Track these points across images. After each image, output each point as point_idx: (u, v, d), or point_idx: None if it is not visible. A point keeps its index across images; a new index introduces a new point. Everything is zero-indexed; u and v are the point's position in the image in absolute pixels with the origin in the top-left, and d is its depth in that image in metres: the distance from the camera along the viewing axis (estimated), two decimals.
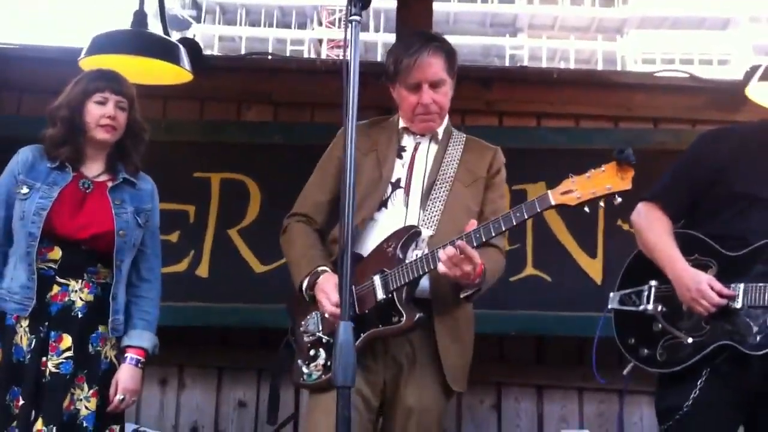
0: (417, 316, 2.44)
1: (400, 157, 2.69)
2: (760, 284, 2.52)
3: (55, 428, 2.68)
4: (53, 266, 2.80)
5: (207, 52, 4.78)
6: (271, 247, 4.03)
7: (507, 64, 35.05)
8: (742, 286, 2.54)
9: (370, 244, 2.58)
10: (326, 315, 2.52)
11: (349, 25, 2.04)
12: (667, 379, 2.69)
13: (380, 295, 2.47)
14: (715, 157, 2.73)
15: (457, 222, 2.54)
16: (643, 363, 2.69)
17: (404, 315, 2.45)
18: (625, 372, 2.76)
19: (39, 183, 2.82)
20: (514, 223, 2.37)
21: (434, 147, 2.71)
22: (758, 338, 2.50)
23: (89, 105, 2.87)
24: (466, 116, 4.64)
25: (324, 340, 2.56)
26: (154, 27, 3.96)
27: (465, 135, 2.79)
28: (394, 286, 2.46)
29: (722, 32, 36.99)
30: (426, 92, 2.60)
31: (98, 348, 2.84)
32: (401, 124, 2.73)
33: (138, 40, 3.75)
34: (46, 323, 2.76)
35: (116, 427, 2.87)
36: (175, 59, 3.78)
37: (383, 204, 2.63)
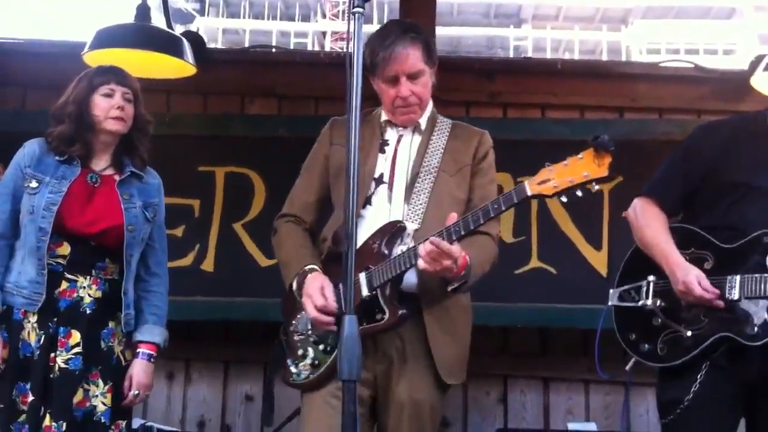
0: (400, 312, 2.44)
1: (383, 151, 2.66)
2: (756, 275, 2.52)
3: (64, 424, 2.69)
4: (62, 262, 2.80)
5: (211, 45, 4.77)
6: None
7: (511, 55, 34.95)
8: (738, 277, 2.54)
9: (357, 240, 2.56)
10: (310, 318, 2.51)
11: (353, 17, 2.02)
12: (667, 373, 2.69)
13: (365, 292, 2.46)
14: (706, 150, 2.74)
15: (444, 213, 2.50)
16: (645, 358, 2.70)
17: (387, 312, 2.45)
18: (627, 367, 2.77)
19: (48, 177, 2.82)
20: (492, 215, 2.35)
21: (417, 138, 2.67)
22: (756, 329, 2.50)
23: (96, 98, 2.87)
24: (470, 108, 4.64)
25: (312, 339, 2.56)
26: (158, 20, 3.96)
27: (451, 121, 2.74)
28: (378, 283, 2.45)
29: (727, 22, 36.85)
30: (404, 85, 2.56)
31: (110, 344, 2.85)
32: (384, 116, 2.70)
33: (141, 34, 3.75)
34: (55, 319, 2.77)
35: (122, 423, 2.88)
36: (178, 53, 3.78)
37: (367, 201, 2.60)
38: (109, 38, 3.68)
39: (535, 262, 4.18)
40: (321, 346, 2.54)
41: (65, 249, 2.80)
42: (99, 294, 2.83)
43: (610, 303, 2.81)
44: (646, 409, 4.15)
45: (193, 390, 4.39)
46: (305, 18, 38.32)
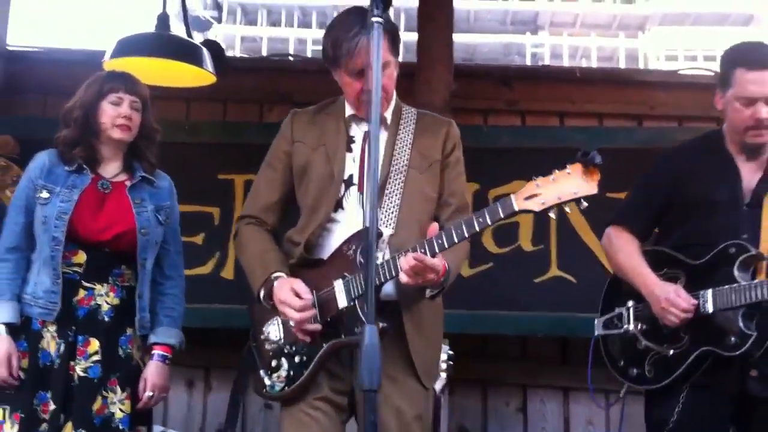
0: (381, 326, 2.22)
1: (350, 150, 2.52)
2: (726, 287, 2.57)
3: None
4: (78, 270, 2.81)
5: (228, 52, 4.80)
6: None
7: (528, 62, 34.94)
8: (710, 291, 2.60)
9: (329, 246, 2.46)
10: (291, 324, 2.39)
11: (372, 27, 2.01)
12: (652, 394, 2.76)
13: (342, 302, 2.37)
14: (668, 173, 2.79)
15: (417, 215, 2.46)
16: (635, 382, 2.77)
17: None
18: (621, 394, 2.84)
19: (59, 187, 2.83)
20: (477, 229, 2.25)
21: (384, 134, 2.52)
22: (733, 339, 2.54)
23: (104, 105, 2.88)
24: (489, 115, 4.64)
25: (286, 350, 2.46)
26: (177, 29, 3.97)
27: (416, 111, 2.61)
28: (357, 293, 2.34)
29: (745, 28, 36.65)
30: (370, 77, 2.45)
31: (128, 350, 2.86)
32: (348, 111, 2.56)
33: (161, 43, 3.76)
34: (74, 327, 2.77)
35: (143, 429, 2.89)
36: (198, 61, 3.79)
37: (338, 204, 2.48)
38: (129, 47, 3.69)
39: (554, 271, 4.17)
40: (297, 359, 2.43)
41: (81, 257, 2.81)
42: (117, 301, 2.84)
43: (596, 333, 2.88)
44: None
45: (212, 397, 4.39)
46: (322, 25, 38.33)
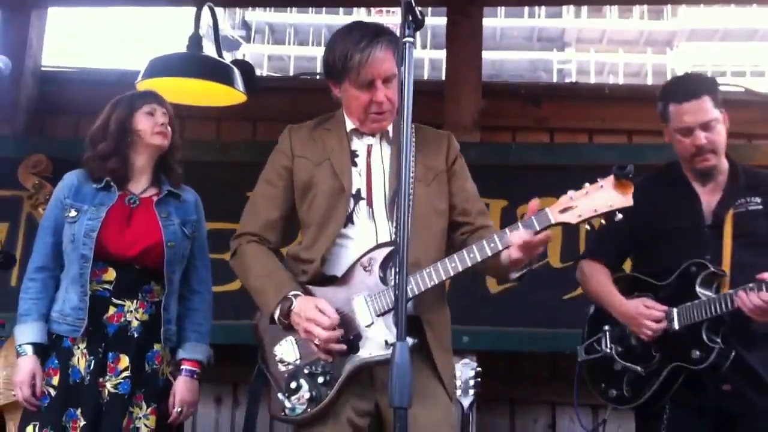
0: (412, 342, 2.17)
1: (355, 164, 2.50)
2: (689, 303, 2.73)
3: None
4: (108, 287, 2.84)
5: (257, 71, 4.83)
6: None
7: (555, 78, 34.85)
8: (675, 309, 2.76)
9: (343, 263, 2.42)
10: (318, 343, 2.33)
11: (403, 46, 2.02)
12: (640, 415, 2.92)
13: (366, 319, 2.34)
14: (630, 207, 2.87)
15: (429, 227, 2.45)
16: (616, 403, 2.93)
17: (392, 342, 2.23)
18: (606, 416, 3.11)
19: (86, 205, 2.88)
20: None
21: (387, 148, 2.52)
22: (698, 353, 2.70)
23: (139, 117, 2.94)
24: (517, 133, 4.64)
25: (306, 371, 2.38)
26: (208, 48, 4.02)
27: (414, 125, 2.53)
28: (383, 310, 2.32)
29: None
30: (380, 89, 2.41)
31: (155, 366, 2.88)
32: (349, 125, 2.55)
33: (193, 63, 3.81)
34: (104, 344, 2.81)
35: None
36: (229, 81, 3.83)
37: (349, 219, 2.45)
38: (162, 67, 3.75)
39: None
40: (320, 379, 2.36)
41: (111, 275, 2.85)
42: (146, 317, 2.87)
43: (579, 359, 3.03)
44: None
45: (241, 414, 4.39)
46: None
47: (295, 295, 2.38)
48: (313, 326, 2.31)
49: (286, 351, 2.42)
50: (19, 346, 2.80)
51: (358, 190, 2.47)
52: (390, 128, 2.55)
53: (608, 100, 4.64)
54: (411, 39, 2.04)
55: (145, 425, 2.81)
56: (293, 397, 2.38)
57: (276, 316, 2.39)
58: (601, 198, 2.17)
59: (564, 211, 2.20)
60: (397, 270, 1.94)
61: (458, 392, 3.23)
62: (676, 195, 2.89)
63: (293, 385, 2.39)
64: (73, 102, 4.70)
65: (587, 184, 2.20)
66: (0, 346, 3.36)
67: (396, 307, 1.95)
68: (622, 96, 4.83)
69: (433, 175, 2.52)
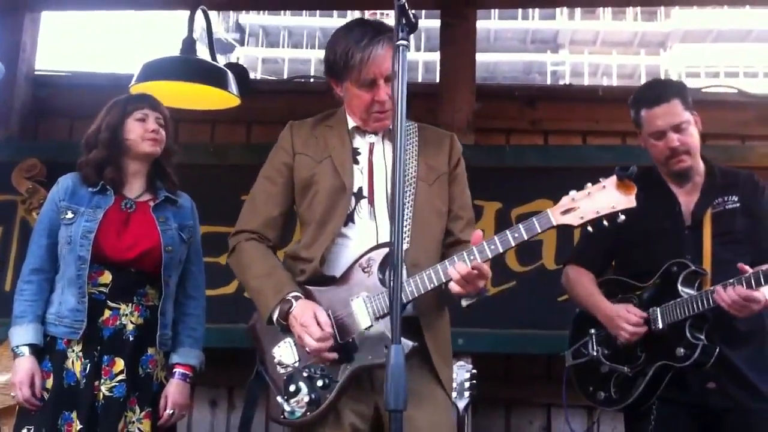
0: (411, 345, 2.22)
1: (356, 162, 2.47)
2: (672, 302, 2.77)
3: None
4: (104, 290, 2.84)
5: (251, 74, 4.83)
6: None
7: (548, 80, 34.88)
8: (659, 309, 2.80)
9: (342, 263, 2.39)
10: (308, 350, 2.30)
11: (398, 50, 2.02)
12: (628, 415, 2.95)
13: (365, 322, 2.30)
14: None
15: (430, 228, 2.43)
16: (604, 405, 2.95)
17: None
18: (595, 419, 3.18)
19: (83, 207, 2.88)
20: (513, 245, 2.21)
21: (389, 146, 2.46)
22: (682, 350, 2.73)
23: (130, 123, 2.93)
24: (511, 135, 4.64)
25: (305, 374, 2.35)
26: (202, 52, 4.02)
27: (416, 123, 2.56)
28: (381, 312, 2.27)
29: (767, 44, 36.45)
30: (382, 88, 2.38)
31: (148, 370, 2.88)
32: (351, 123, 2.51)
33: (187, 67, 3.81)
34: (99, 347, 2.80)
35: None
36: (223, 84, 3.83)
37: (349, 218, 2.41)
38: (155, 71, 3.74)
39: None
40: (319, 382, 2.34)
41: (107, 277, 2.85)
42: (141, 321, 2.87)
43: (567, 364, 3.06)
44: None
45: (236, 417, 4.38)
46: None
47: (296, 297, 2.34)
48: (305, 334, 2.28)
49: (285, 353, 2.39)
50: (16, 347, 2.80)
51: (360, 189, 2.44)
52: (391, 126, 2.48)
53: (602, 102, 4.65)
54: (405, 42, 2.03)
55: (139, 429, 2.81)
56: (292, 400, 2.35)
57: (275, 317, 2.35)
58: (603, 199, 2.14)
59: (566, 212, 2.17)
60: (392, 273, 1.93)
61: (454, 394, 3.22)
62: (656, 198, 2.93)
63: (292, 388, 2.36)
64: (67, 106, 4.70)
65: (589, 185, 2.16)
66: None
67: (391, 310, 1.94)
68: (616, 97, 4.80)
69: (435, 175, 2.49)
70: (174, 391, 2.90)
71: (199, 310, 3.06)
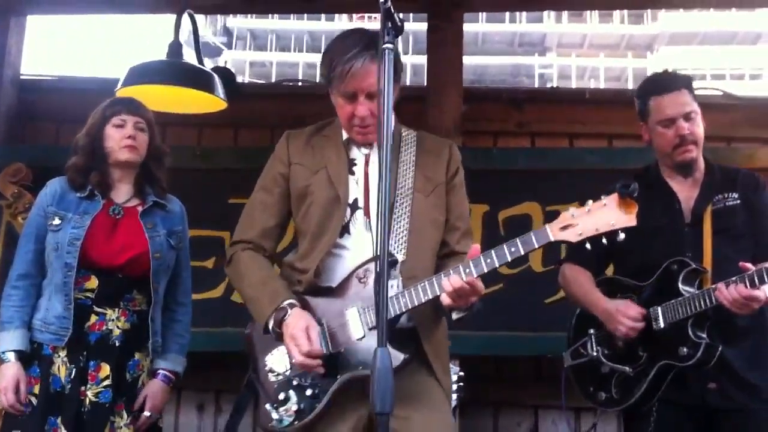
0: (402, 357, 2.22)
1: (352, 173, 2.44)
2: (673, 301, 2.73)
3: None
4: (90, 296, 2.83)
5: (238, 77, 4.82)
6: None
7: (536, 83, 35.00)
8: (660, 308, 2.76)
9: (338, 274, 2.37)
10: (294, 361, 2.29)
11: (383, 53, 2.00)
12: (627, 416, 2.92)
13: (358, 332, 2.28)
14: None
15: (426, 239, 2.40)
16: (605, 406, 2.92)
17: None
18: (595, 421, 3.09)
19: (70, 213, 2.86)
20: (509, 259, 2.18)
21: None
22: (685, 349, 2.70)
23: (108, 130, 2.91)
24: (498, 138, 4.65)
25: (295, 382, 2.33)
26: (188, 55, 4.02)
27: (415, 132, 2.54)
28: (374, 324, 2.23)
29: (753, 47, 36.68)
30: (362, 104, 2.36)
31: (135, 375, 2.87)
32: (345, 133, 2.49)
33: (173, 70, 3.79)
34: (85, 353, 2.79)
35: None
36: (209, 88, 3.82)
37: (345, 229, 2.39)
38: (141, 74, 3.73)
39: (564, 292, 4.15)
40: (308, 392, 2.31)
41: (93, 283, 2.83)
42: (127, 326, 2.85)
43: (565, 365, 3.03)
44: None
45: (223, 421, 4.35)
46: None
47: (291, 305, 2.32)
48: (291, 345, 2.26)
49: (277, 361, 2.38)
50: (2, 353, 2.78)
51: (355, 200, 2.42)
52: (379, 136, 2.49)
53: (588, 105, 4.66)
54: (390, 45, 2.02)
55: None
56: (281, 409, 2.33)
57: (270, 325, 2.34)
58: (603, 217, 2.12)
59: (564, 228, 2.15)
60: (378, 276, 1.92)
61: None
62: (655, 195, 2.89)
63: (282, 396, 2.34)
64: (53, 110, 4.68)
65: (590, 202, 2.14)
66: None
67: (377, 313, 1.92)
68: (602, 100, 4.85)
69: (432, 186, 2.46)
70: (157, 392, 2.88)
71: (187, 316, 3.05)
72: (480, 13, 28.09)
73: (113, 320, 2.83)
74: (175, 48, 3.85)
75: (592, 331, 2.94)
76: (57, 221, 2.85)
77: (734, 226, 2.82)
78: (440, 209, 2.48)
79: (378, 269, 1.93)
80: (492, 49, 36.41)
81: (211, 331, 3.76)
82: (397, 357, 2.19)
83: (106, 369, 2.79)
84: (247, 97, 4.48)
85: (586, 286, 2.98)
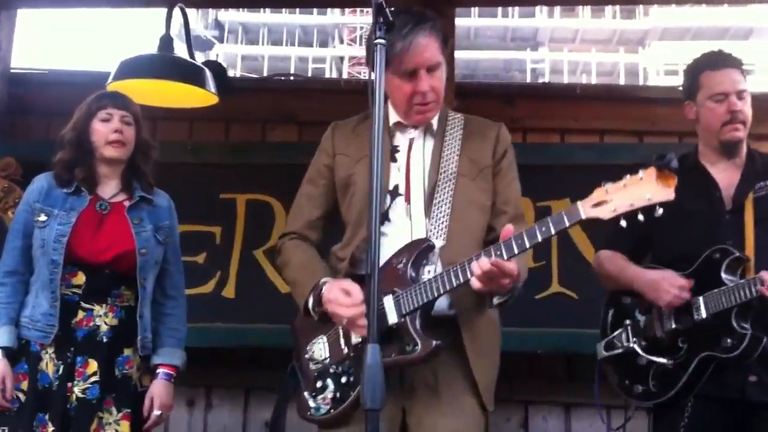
0: (434, 344, 2.19)
1: (394, 159, 2.43)
2: (716, 290, 2.64)
3: None
4: (77, 291, 2.82)
5: (230, 71, 4.81)
6: None
7: (528, 77, 35.02)
8: (701, 297, 2.67)
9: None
10: (345, 321, 2.26)
11: (376, 48, 2.02)
12: (659, 408, 2.81)
13: (392, 319, 2.24)
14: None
15: (470, 224, 2.37)
16: (641, 399, 2.82)
17: (419, 343, 2.20)
18: (630, 413, 2.94)
19: (56, 210, 2.84)
20: (539, 240, 2.11)
21: (430, 141, 2.44)
22: (729, 340, 2.61)
23: (95, 124, 2.90)
24: None
25: (332, 370, 2.34)
26: (180, 49, 4.01)
27: (463, 116, 2.52)
28: (408, 309, 2.23)
29: (745, 42, 36.72)
30: (424, 79, 2.34)
31: (125, 371, 2.86)
32: (392, 119, 2.46)
33: (164, 64, 3.78)
34: (72, 349, 2.78)
35: None
36: (200, 82, 3.80)
37: (385, 216, 2.36)
38: (132, 68, 3.71)
39: (555, 287, 4.17)
40: (343, 379, 2.32)
41: (80, 278, 2.82)
42: (115, 322, 2.84)
43: (599, 357, 2.93)
44: None
45: (213, 417, 4.39)
46: (323, 44, 38.53)
47: (325, 282, 2.33)
48: (335, 307, 2.26)
49: (317, 350, 2.39)
50: None
51: (396, 186, 2.40)
52: (435, 121, 2.47)
53: (580, 100, 4.66)
54: (383, 40, 2.02)
55: (117, 430, 2.79)
56: (319, 397, 2.35)
57: (310, 305, 2.35)
58: (639, 191, 1.99)
59: (597, 205, 2.03)
60: (370, 270, 1.92)
61: None
62: (694, 182, 2.79)
63: (319, 384, 2.36)
64: (44, 104, 4.64)
65: (627, 176, 2.02)
66: None
67: (368, 309, 1.93)
68: (594, 95, 4.86)
69: (478, 169, 2.43)
70: (160, 392, 2.88)
71: (179, 309, 3.03)
72: (472, 8, 28.09)
73: (101, 316, 2.82)
74: (166, 42, 3.83)
75: (628, 321, 2.85)
76: (43, 218, 2.84)
77: None
78: (487, 194, 2.44)
79: (369, 265, 1.93)
80: (484, 44, 36.37)
81: (201, 327, 3.76)
82: (428, 345, 2.19)
83: (93, 365, 2.78)
84: (238, 92, 4.46)
85: (621, 262, 2.90)
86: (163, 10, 3.95)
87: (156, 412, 2.85)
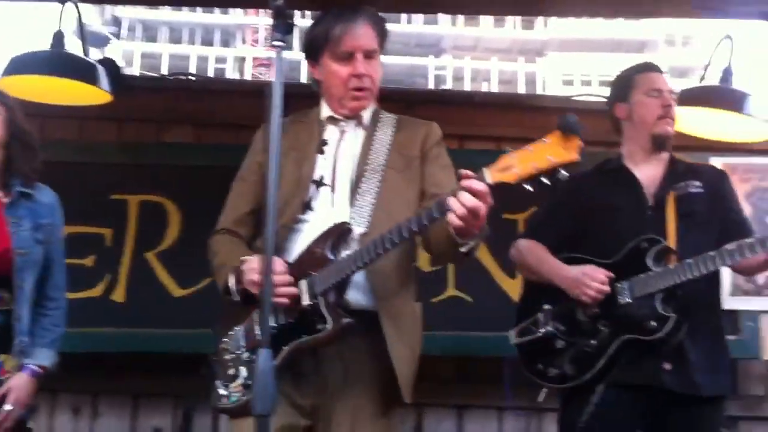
0: (344, 321, 2.21)
1: (322, 152, 2.45)
2: (642, 275, 2.73)
3: None
4: None
5: (128, 69, 4.69)
6: (190, 271, 3.99)
7: (431, 84, 35.46)
8: (626, 283, 2.75)
9: (296, 249, 2.37)
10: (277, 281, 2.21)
11: (277, 51, 2.00)
12: (568, 394, 2.85)
13: (305, 301, 2.25)
14: (571, 192, 2.93)
15: (393, 214, 2.33)
16: (555, 382, 2.84)
17: (329, 320, 2.22)
18: (540, 398, 2.90)
19: None
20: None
21: (361, 134, 2.48)
22: (652, 323, 2.68)
23: None
24: None
25: (245, 357, 2.33)
26: (75, 45, 3.90)
27: (396, 116, 2.56)
28: (321, 289, 2.24)
29: (639, 55, 38.08)
30: (361, 62, 2.39)
31: (1, 378, 2.73)
32: (324, 113, 2.51)
33: (56, 61, 3.69)
34: None
35: None
36: (93, 80, 3.72)
37: (307, 206, 2.40)
38: (23, 65, 3.62)
39: (451, 291, 4.20)
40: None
41: None
42: None
43: (512, 343, 2.96)
44: None
45: (99, 425, 4.24)
46: (225, 43, 38.16)
47: (246, 260, 2.33)
48: (253, 274, 2.26)
49: (234, 340, 2.39)
50: None
51: (321, 177, 2.42)
52: (367, 114, 2.50)
53: (478, 107, 4.73)
54: (282, 43, 2.01)
55: None
56: (231, 385, 2.33)
57: (231, 284, 2.35)
58: (543, 154, 1.99)
59: (504, 170, 2.03)
60: (265, 273, 1.90)
61: None
62: (616, 179, 2.94)
63: (232, 372, 2.35)
64: None
65: (533, 142, 2.02)
66: None
67: (262, 311, 1.90)
68: (491, 103, 4.94)
69: (406, 162, 2.46)
70: (21, 385, 2.74)
71: (59, 311, 2.92)
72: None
73: None
74: (59, 38, 3.74)
75: (547, 306, 2.88)
76: None
77: (697, 213, 2.84)
78: (413, 187, 2.46)
79: (265, 269, 1.90)
80: (389, 49, 36.56)
81: (88, 332, 3.65)
82: (338, 323, 2.22)
83: None
84: (133, 90, 4.34)
85: (543, 255, 2.94)
86: (59, 6, 3.84)
87: (7, 407, 2.70)
